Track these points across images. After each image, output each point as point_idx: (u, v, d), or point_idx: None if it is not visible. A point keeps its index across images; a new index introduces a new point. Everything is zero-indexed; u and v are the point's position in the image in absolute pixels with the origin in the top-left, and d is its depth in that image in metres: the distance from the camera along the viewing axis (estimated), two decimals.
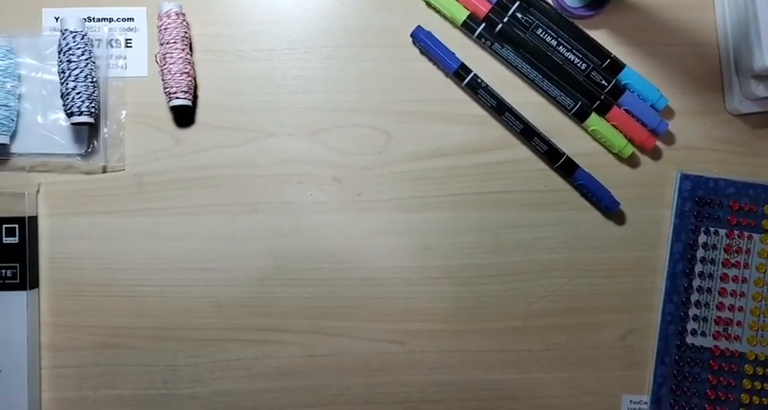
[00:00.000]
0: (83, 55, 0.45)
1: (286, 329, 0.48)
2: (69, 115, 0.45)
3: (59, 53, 0.45)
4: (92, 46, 0.46)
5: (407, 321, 0.49)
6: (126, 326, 0.48)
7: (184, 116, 0.48)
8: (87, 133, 0.47)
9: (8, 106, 0.46)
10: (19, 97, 0.47)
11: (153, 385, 0.48)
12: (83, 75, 0.45)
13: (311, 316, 0.49)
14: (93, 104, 0.45)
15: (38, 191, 0.48)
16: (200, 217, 0.48)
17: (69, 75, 0.45)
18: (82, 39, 0.45)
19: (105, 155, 0.48)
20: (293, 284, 0.48)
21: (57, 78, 0.45)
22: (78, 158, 0.47)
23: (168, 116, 0.48)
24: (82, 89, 0.45)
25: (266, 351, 0.48)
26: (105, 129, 0.48)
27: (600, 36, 0.49)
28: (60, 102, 0.45)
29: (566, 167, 0.48)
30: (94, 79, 0.46)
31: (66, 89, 0.45)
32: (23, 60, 0.47)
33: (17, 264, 0.46)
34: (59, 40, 0.45)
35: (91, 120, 0.45)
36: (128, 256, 0.48)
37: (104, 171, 0.48)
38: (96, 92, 0.46)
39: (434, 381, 0.49)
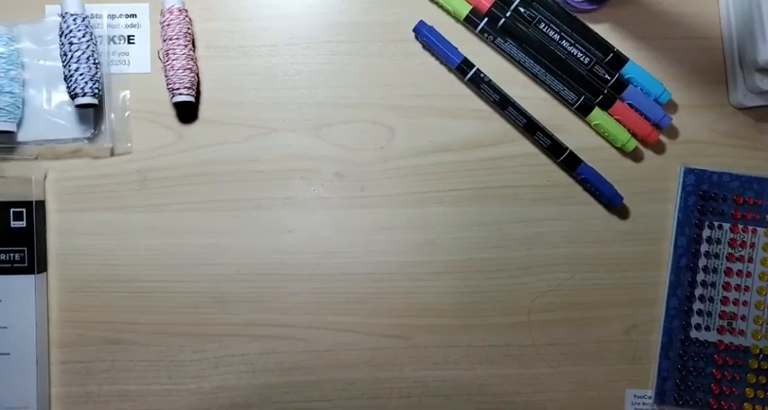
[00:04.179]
0: (84, 37, 0.45)
1: (290, 324, 0.49)
2: (73, 97, 0.45)
3: (61, 36, 0.45)
4: (93, 28, 0.46)
5: (411, 316, 0.49)
6: (130, 322, 0.48)
7: (187, 112, 0.49)
8: (92, 116, 0.47)
9: (13, 93, 0.46)
10: (23, 84, 0.47)
11: (158, 380, 0.48)
12: (85, 56, 0.44)
13: (315, 311, 0.49)
14: (96, 85, 0.45)
15: (45, 177, 0.48)
16: (204, 213, 0.48)
17: (71, 57, 0.44)
18: (83, 21, 0.45)
19: (112, 138, 0.48)
20: (296, 279, 0.49)
21: (59, 63, 0.45)
22: (85, 141, 0.47)
23: (171, 112, 0.49)
24: (84, 70, 0.44)
25: (270, 346, 0.49)
26: (112, 115, 0.47)
27: (603, 30, 0.49)
28: (64, 86, 0.45)
29: (569, 162, 0.48)
30: (97, 61, 0.45)
31: (69, 71, 0.44)
32: (26, 46, 0.47)
33: (25, 248, 0.46)
34: (60, 24, 0.45)
35: (95, 101, 0.45)
36: (132, 252, 0.48)
37: (112, 154, 0.48)
38: (99, 73, 0.45)
39: (438, 376, 0.49)
